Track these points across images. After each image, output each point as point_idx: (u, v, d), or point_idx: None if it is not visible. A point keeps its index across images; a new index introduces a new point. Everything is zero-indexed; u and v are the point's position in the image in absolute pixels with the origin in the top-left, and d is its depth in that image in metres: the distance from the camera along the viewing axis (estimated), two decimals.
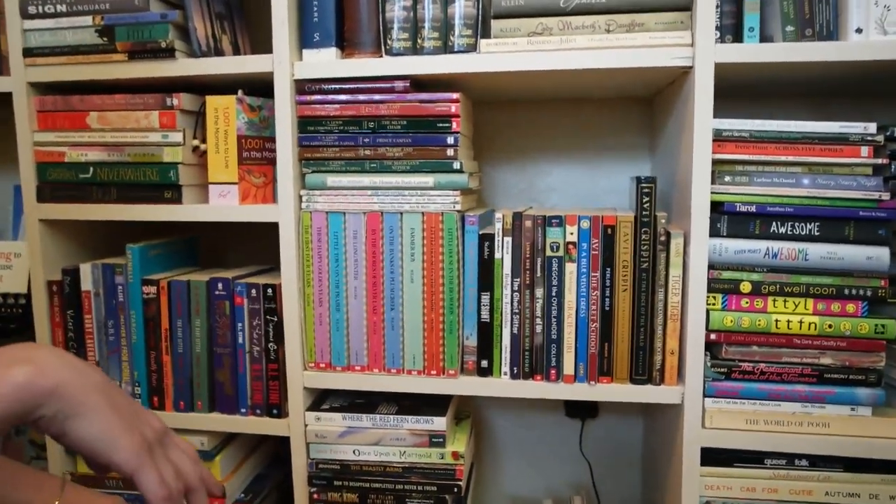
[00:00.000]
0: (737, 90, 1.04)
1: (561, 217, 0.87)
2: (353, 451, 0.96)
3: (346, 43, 0.92)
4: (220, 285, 0.96)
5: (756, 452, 0.87)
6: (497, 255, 0.89)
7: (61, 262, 1.04)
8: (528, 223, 0.88)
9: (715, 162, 0.83)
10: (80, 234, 1.09)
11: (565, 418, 1.23)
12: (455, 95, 0.88)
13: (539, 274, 0.88)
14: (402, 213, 0.90)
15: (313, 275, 0.93)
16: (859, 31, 0.79)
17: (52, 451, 1.04)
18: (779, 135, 0.82)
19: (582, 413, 1.21)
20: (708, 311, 0.84)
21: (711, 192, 0.82)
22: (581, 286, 0.87)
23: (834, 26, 0.81)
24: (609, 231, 0.86)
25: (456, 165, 0.89)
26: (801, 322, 0.82)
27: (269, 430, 0.97)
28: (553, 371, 0.89)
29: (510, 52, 0.85)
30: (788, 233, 0.83)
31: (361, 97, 0.89)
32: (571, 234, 0.87)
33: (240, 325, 0.96)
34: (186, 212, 0.96)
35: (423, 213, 0.89)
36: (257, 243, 1.28)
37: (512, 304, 0.89)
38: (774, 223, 0.83)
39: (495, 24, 0.86)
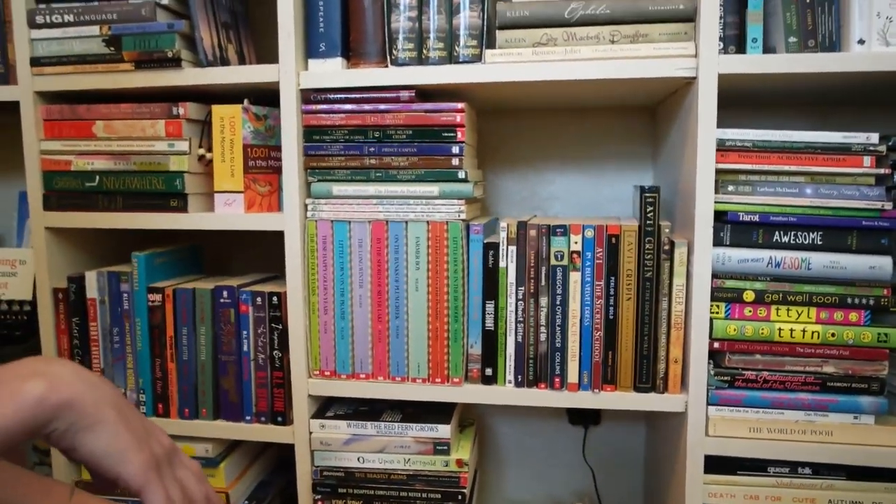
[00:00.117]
0: (740, 100, 1.04)
1: (565, 226, 0.87)
2: (358, 459, 0.96)
3: (351, 53, 0.92)
4: (225, 293, 0.97)
5: (759, 460, 0.87)
6: (502, 264, 0.89)
7: (67, 270, 1.05)
8: (532, 232, 0.88)
9: (718, 171, 0.84)
10: (86, 241, 1.09)
11: (568, 425, 1.24)
12: (460, 105, 0.88)
13: (543, 283, 0.89)
14: (406, 222, 0.90)
15: (318, 283, 0.93)
16: (861, 42, 0.80)
17: (55, 458, 1.04)
18: (782, 144, 0.83)
19: (585, 420, 1.22)
20: (711, 320, 0.85)
21: (715, 202, 0.83)
22: (585, 295, 0.88)
23: (836, 37, 0.81)
24: (613, 240, 0.87)
25: (461, 175, 0.89)
26: (804, 331, 0.83)
27: (274, 437, 0.97)
28: (557, 379, 0.90)
29: (515, 63, 0.86)
30: (791, 242, 0.83)
31: (367, 107, 0.90)
32: (576, 243, 0.87)
33: (245, 332, 0.97)
34: (192, 220, 0.96)
35: (427, 221, 0.90)
36: (262, 251, 1.29)
37: (516, 313, 0.90)
38: (777, 232, 0.84)
39: (500, 35, 0.86)
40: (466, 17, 0.88)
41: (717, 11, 0.80)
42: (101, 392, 0.47)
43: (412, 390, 0.93)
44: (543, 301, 0.89)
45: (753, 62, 0.80)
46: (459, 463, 0.94)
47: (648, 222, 0.85)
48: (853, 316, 0.83)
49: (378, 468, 0.96)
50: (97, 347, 1.02)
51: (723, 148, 0.83)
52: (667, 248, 0.85)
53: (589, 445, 1.24)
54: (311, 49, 0.92)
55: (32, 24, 0.96)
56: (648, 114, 1.16)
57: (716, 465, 0.87)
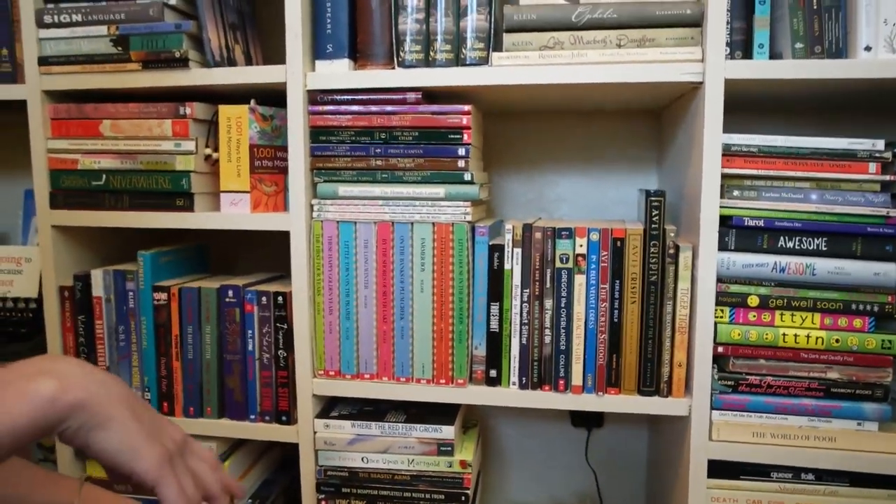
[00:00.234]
0: (746, 105, 1.05)
1: (571, 229, 0.88)
2: (362, 459, 0.96)
3: (358, 54, 0.92)
4: (230, 292, 0.97)
5: (762, 465, 0.87)
6: (507, 266, 0.90)
7: (73, 268, 1.05)
8: (538, 235, 0.88)
9: (724, 176, 0.84)
10: (92, 240, 1.10)
11: (571, 428, 1.24)
12: (466, 108, 0.88)
13: (548, 285, 0.89)
14: (412, 224, 0.91)
15: (324, 283, 0.94)
16: (868, 48, 0.80)
17: (61, 454, 1.05)
18: (787, 150, 0.83)
19: (588, 423, 1.22)
20: (716, 324, 0.85)
21: (720, 206, 0.83)
22: (590, 298, 0.88)
23: (843, 44, 0.81)
24: (618, 244, 0.87)
25: (467, 177, 0.89)
26: (808, 336, 0.83)
27: (279, 436, 0.98)
28: (561, 381, 0.90)
29: (522, 66, 0.86)
30: (796, 247, 0.84)
31: (373, 108, 0.90)
32: (581, 246, 0.87)
33: (250, 332, 0.97)
34: (198, 220, 0.97)
35: (433, 223, 0.90)
36: (267, 251, 1.29)
37: (521, 315, 0.90)
38: (782, 238, 0.84)
39: (507, 38, 0.86)
40: (474, 20, 0.88)
41: (724, 17, 0.80)
42: (111, 390, 0.47)
43: (416, 391, 0.93)
44: (548, 303, 0.89)
45: (760, 68, 0.80)
46: (463, 464, 0.95)
47: (653, 226, 0.86)
48: (857, 322, 0.83)
49: (382, 468, 0.96)
50: (102, 345, 1.02)
51: (728, 153, 0.83)
52: (672, 251, 0.86)
53: (592, 448, 1.24)
54: (318, 50, 0.92)
55: (41, 24, 0.97)
56: (654, 118, 1.16)
57: (719, 469, 0.87)
